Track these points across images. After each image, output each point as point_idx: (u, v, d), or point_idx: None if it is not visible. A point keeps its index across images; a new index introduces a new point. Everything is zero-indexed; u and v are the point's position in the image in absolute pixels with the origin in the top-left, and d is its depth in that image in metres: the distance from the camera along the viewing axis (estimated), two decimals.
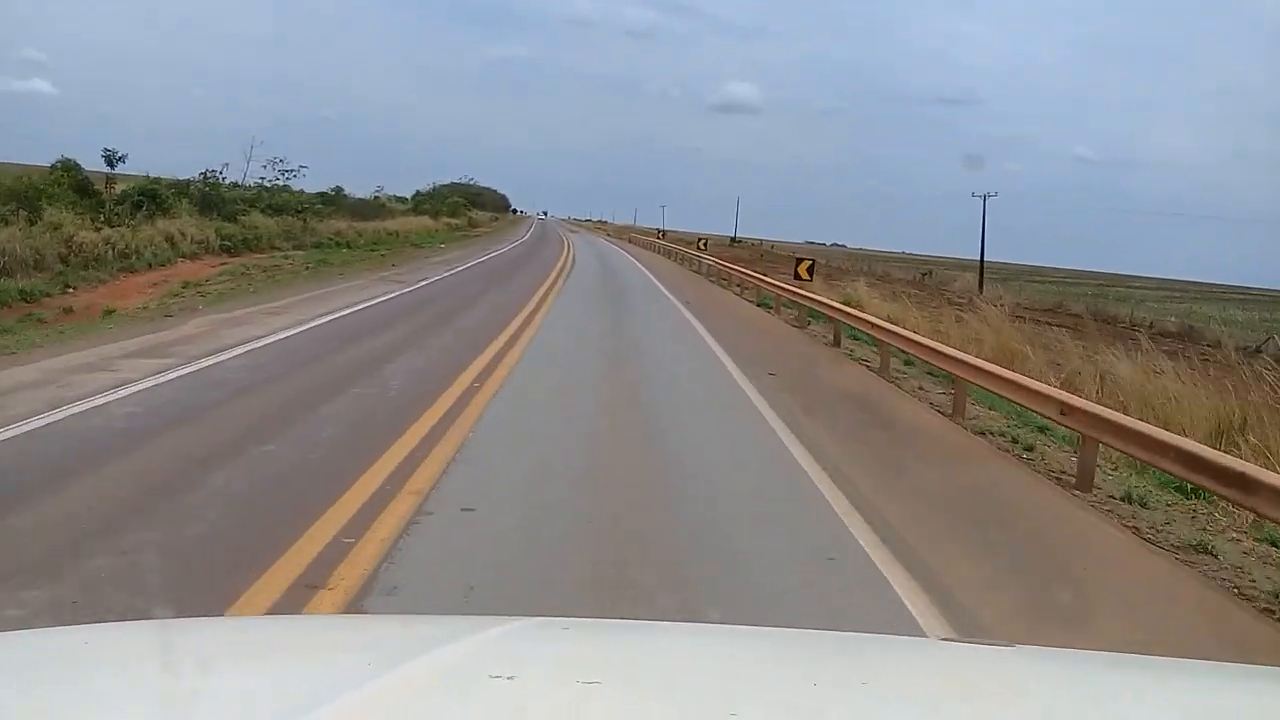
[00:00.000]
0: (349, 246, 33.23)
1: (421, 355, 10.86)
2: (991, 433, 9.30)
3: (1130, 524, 6.59)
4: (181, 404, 7.73)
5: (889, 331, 12.77)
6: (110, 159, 30.10)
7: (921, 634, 3.97)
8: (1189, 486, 7.50)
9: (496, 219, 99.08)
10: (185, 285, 19.37)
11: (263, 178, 36.23)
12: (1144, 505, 7.10)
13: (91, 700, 1.09)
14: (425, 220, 56.21)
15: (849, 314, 15.45)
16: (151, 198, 26.83)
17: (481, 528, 5.21)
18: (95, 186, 26.47)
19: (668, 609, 4.15)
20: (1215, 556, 5.89)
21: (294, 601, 3.99)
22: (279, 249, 29.31)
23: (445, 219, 62.50)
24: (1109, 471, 7.98)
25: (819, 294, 18.97)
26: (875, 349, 14.27)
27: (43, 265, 19.95)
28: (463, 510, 5.43)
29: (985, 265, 55.45)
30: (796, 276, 22.21)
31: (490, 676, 1.12)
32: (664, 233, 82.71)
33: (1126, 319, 40.23)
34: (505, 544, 4.98)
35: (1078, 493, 7.32)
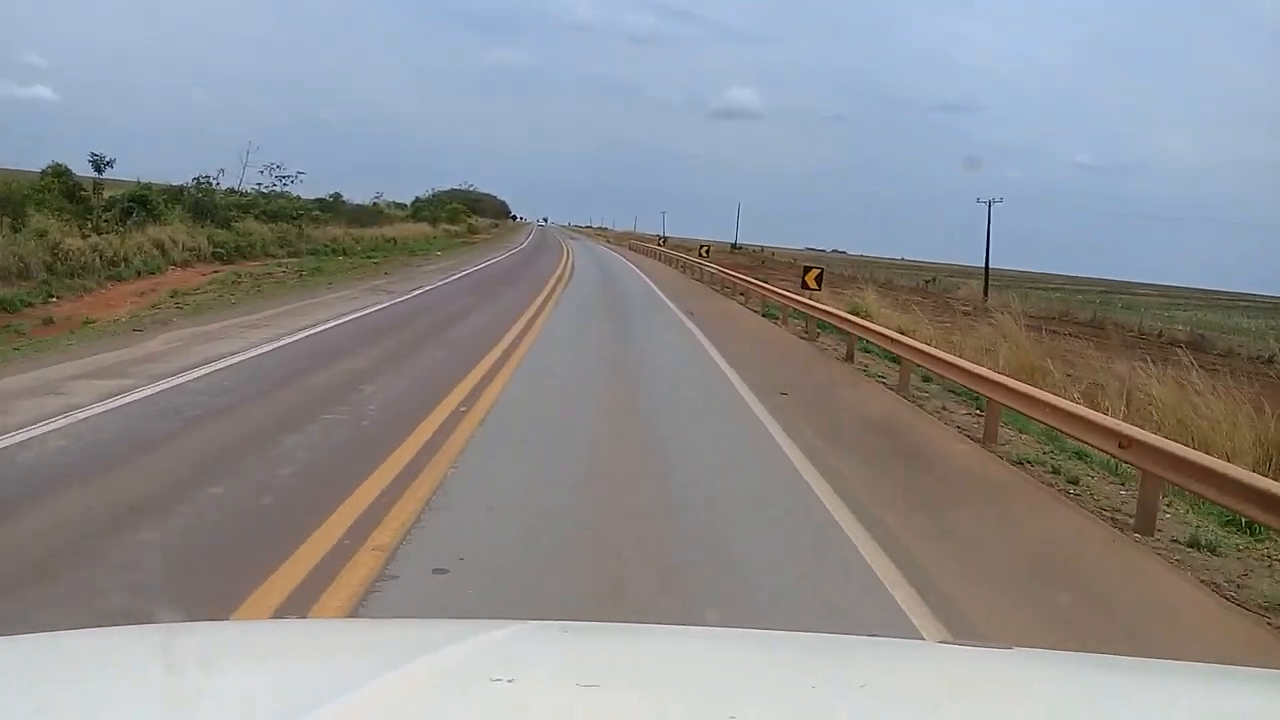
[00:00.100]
0: (345, 253, 32.39)
1: (404, 376, 10.00)
2: (1029, 461, 8.47)
3: (1205, 578, 5.76)
4: (127, 436, 6.86)
5: (913, 349, 11.87)
6: (98, 164, 29.41)
7: None
8: (1243, 520, 6.76)
9: (496, 225, 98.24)
10: (173, 294, 18.50)
11: (259, 183, 35.51)
12: (1214, 552, 6.28)
13: (95, 701, 1.09)
14: (424, 227, 55.35)
15: (862, 326, 14.63)
16: (142, 204, 25.97)
17: (456, 595, 4.38)
18: (84, 192, 25.70)
19: None
20: None
21: None
22: (274, 256, 28.56)
23: (444, 225, 61.79)
24: (1165, 508, 7.15)
25: (829, 305, 18.15)
26: (891, 364, 13.47)
27: (27, 274, 19.16)
28: (434, 572, 4.60)
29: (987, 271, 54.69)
30: (804, 286, 21.38)
31: (490, 679, 1.12)
32: (664, 239, 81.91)
33: (1135, 327, 39.47)
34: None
35: (1138, 536, 6.49)
